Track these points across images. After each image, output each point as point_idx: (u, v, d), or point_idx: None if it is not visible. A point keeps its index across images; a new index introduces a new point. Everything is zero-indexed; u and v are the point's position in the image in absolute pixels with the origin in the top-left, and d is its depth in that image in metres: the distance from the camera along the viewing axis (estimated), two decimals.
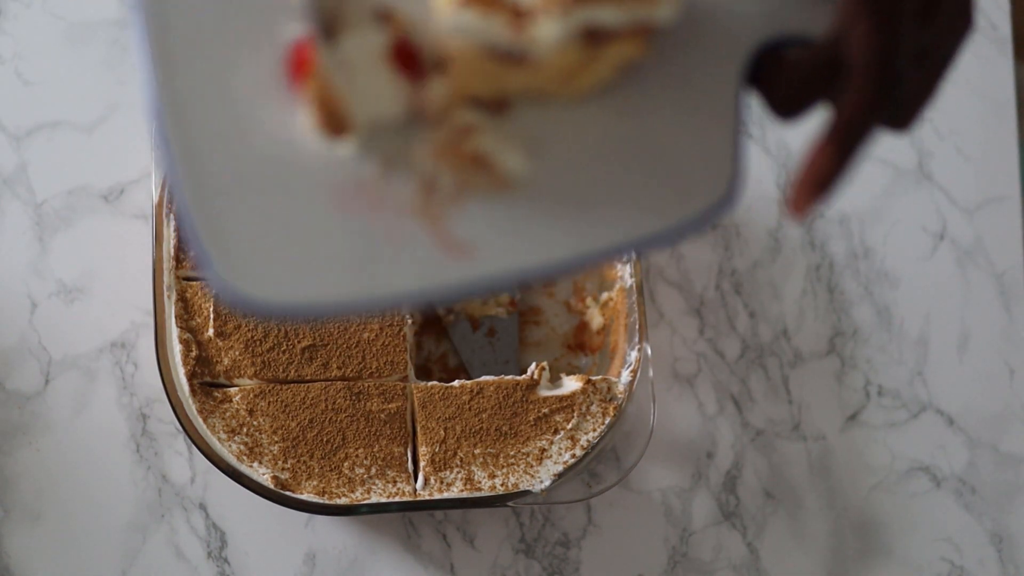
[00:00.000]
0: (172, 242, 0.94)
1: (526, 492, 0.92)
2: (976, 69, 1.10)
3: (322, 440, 0.93)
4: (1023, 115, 1.14)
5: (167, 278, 0.94)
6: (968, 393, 1.05)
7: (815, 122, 0.65)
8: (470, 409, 0.94)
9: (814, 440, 1.04)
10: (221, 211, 0.60)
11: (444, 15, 0.60)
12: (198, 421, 0.92)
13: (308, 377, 0.94)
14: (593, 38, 0.61)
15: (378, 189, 0.61)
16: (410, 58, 0.60)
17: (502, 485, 0.92)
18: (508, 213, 0.61)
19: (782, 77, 0.65)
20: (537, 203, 0.62)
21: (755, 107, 0.66)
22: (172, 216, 0.94)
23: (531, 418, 0.94)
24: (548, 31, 0.59)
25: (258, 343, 0.93)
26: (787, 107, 0.65)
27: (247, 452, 0.92)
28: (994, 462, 1.04)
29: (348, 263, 0.60)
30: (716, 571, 1.01)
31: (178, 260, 0.94)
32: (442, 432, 0.93)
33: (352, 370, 0.94)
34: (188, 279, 0.94)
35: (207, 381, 0.93)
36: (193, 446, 0.96)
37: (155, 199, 0.95)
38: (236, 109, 0.61)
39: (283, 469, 0.92)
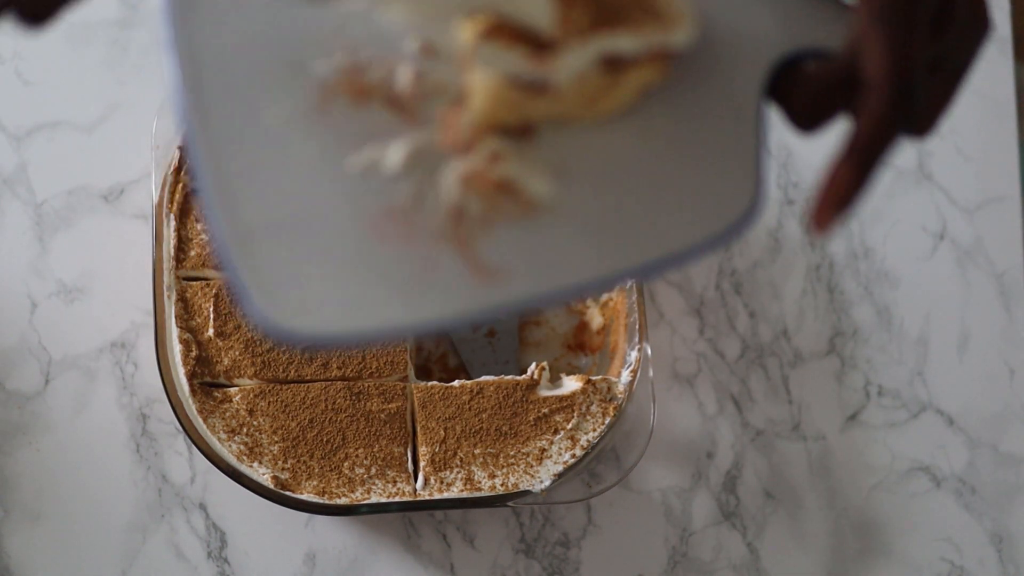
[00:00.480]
0: (172, 242, 0.94)
1: (526, 492, 0.92)
2: (976, 69, 1.10)
3: (322, 440, 0.92)
4: (1023, 115, 1.14)
5: (167, 278, 0.94)
6: (968, 393, 1.05)
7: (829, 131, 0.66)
8: (470, 409, 0.94)
9: (814, 440, 1.03)
10: (258, 246, 0.61)
11: (468, 48, 0.62)
12: (198, 421, 0.92)
13: (308, 377, 0.94)
14: (613, 65, 0.62)
15: (409, 217, 0.62)
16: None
17: (502, 485, 0.92)
18: (536, 236, 0.63)
19: (801, 91, 0.65)
20: (564, 225, 0.63)
21: (774, 120, 0.66)
22: (172, 216, 0.94)
23: (531, 418, 0.94)
24: (568, 61, 0.61)
25: (258, 343, 0.93)
26: (807, 120, 0.65)
27: (247, 452, 0.92)
28: (994, 462, 1.04)
29: (384, 291, 0.62)
30: (716, 571, 1.01)
31: (178, 260, 0.94)
32: (442, 432, 0.93)
33: (352, 370, 0.94)
34: (188, 279, 0.94)
35: (207, 381, 0.93)
36: (193, 446, 0.95)
37: (155, 199, 0.95)
38: (269, 144, 0.63)
39: (283, 469, 0.92)
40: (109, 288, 1.01)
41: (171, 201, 0.95)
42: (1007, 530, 1.03)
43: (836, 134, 0.64)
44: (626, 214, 0.64)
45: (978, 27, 0.66)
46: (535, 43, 0.61)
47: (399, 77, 0.64)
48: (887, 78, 0.62)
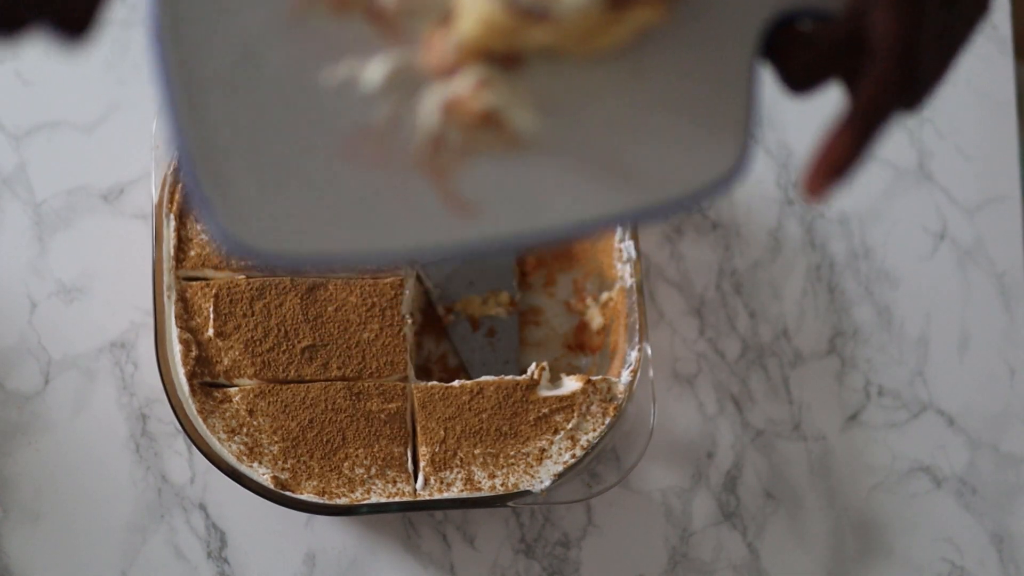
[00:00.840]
0: (172, 242, 0.94)
1: (526, 492, 0.92)
2: (976, 69, 1.10)
3: (322, 440, 0.92)
4: (1023, 115, 1.14)
5: (167, 278, 0.93)
6: (968, 393, 1.05)
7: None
8: (470, 409, 0.94)
9: (814, 440, 1.03)
10: (223, 156, 0.59)
11: None
12: (198, 421, 0.92)
13: (308, 377, 0.94)
14: (617, 2, 0.59)
15: (385, 140, 0.60)
16: None
17: (502, 485, 0.92)
18: (516, 173, 0.60)
19: (797, 52, 0.64)
20: (546, 165, 0.60)
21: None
22: (172, 216, 0.94)
23: (531, 418, 0.94)
24: None
25: (258, 343, 0.93)
26: (800, 82, 0.64)
27: (247, 452, 0.92)
28: (994, 462, 1.04)
29: (351, 214, 0.59)
30: (716, 571, 1.01)
31: (178, 260, 0.94)
32: (442, 432, 0.93)
33: (352, 370, 0.94)
34: (188, 279, 0.94)
35: (207, 381, 0.93)
36: (193, 446, 0.95)
37: (155, 199, 0.94)
38: (243, 45, 0.60)
39: (283, 469, 0.92)
40: (109, 288, 1.01)
41: (171, 201, 0.95)
42: (1008, 530, 1.03)
43: (832, 110, 0.63)
44: (611, 158, 0.61)
45: (980, 4, 0.65)
46: None
47: None
48: (895, 47, 0.61)
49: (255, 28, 0.59)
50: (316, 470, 0.92)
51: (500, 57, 0.61)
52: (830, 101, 0.66)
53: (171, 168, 0.95)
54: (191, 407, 0.92)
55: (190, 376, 0.92)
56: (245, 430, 0.92)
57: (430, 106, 0.60)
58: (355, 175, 0.59)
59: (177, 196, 0.95)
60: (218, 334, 0.93)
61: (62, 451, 0.98)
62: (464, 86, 0.60)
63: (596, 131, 0.62)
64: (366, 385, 0.94)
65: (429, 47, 0.60)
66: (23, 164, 1.02)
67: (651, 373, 0.95)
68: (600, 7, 0.59)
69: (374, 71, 0.60)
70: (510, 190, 0.60)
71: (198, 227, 0.94)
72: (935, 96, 0.64)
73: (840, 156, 0.62)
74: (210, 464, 0.92)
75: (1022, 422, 1.05)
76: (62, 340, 1.00)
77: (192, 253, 0.94)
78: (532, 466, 0.93)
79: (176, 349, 0.92)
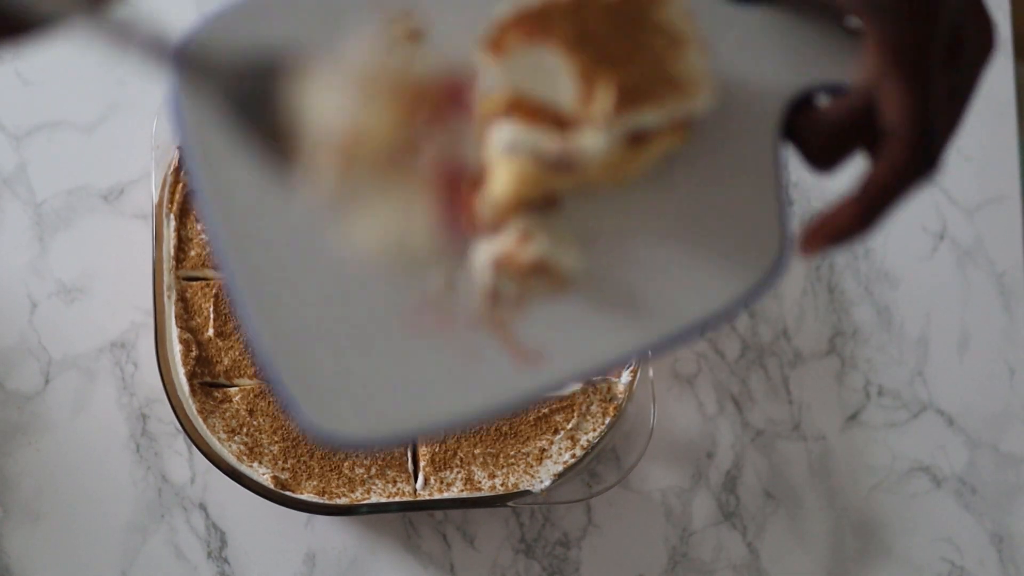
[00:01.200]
0: (172, 242, 0.94)
1: (526, 492, 0.92)
2: None
3: None
4: (1023, 115, 1.14)
5: (167, 278, 0.93)
6: (968, 393, 1.05)
7: None
8: None
9: (814, 440, 1.03)
10: (300, 355, 0.61)
11: (490, 130, 0.61)
12: (198, 421, 0.92)
13: None
14: (637, 137, 0.61)
15: (445, 305, 0.62)
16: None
17: (502, 485, 0.92)
18: (570, 310, 0.62)
19: (815, 131, 0.64)
20: (597, 296, 0.62)
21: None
22: (172, 216, 0.94)
23: (531, 418, 0.93)
24: (594, 142, 0.60)
25: None
26: (823, 160, 0.64)
27: (247, 452, 0.92)
28: (994, 462, 1.04)
29: (429, 386, 0.61)
30: (716, 571, 1.01)
31: (178, 260, 0.94)
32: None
33: None
34: (188, 279, 0.94)
35: (207, 381, 0.93)
36: (193, 446, 0.95)
37: (155, 199, 0.94)
38: (297, 245, 0.62)
39: (283, 469, 0.92)
40: (109, 288, 1.01)
41: (171, 201, 0.95)
42: (1007, 530, 1.03)
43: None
44: (656, 279, 0.63)
45: (985, 48, 0.64)
46: (556, 120, 0.60)
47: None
48: (909, 128, 0.60)
49: (306, 214, 0.61)
50: (316, 470, 0.92)
51: (536, 202, 0.63)
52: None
53: (171, 168, 0.95)
54: (191, 407, 0.92)
55: (190, 376, 0.92)
56: (245, 430, 0.92)
57: (482, 265, 0.62)
58: (423, 345, 0.61)
59: (177, 196, 0.95)
60: (218, 334, 0.93)
61: (62, 451, 0.98)
62: (509, 242, 0.62)
63: (638, 254, 0.63)
64: None
65: (470, 208, 0.62)
66: (23, 164, 1.02)
67: (651, 373, 0.95)
68: (620, 146, 0.60)
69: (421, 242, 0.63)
70: (569, 328, 0.62)
71: (198, 227, 0.94)
72: (950, 151, 0.64)
73: (844, 226, 0.62)
74: (210, 464, 0.92)
75: (1022, 422, 1.05)
76: (62, 340, 1.00)
77: (192, 253, 0.94)
78: (532, 466, 0.93)
79: (176, 349, 0.92)
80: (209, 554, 0.98)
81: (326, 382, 0.61)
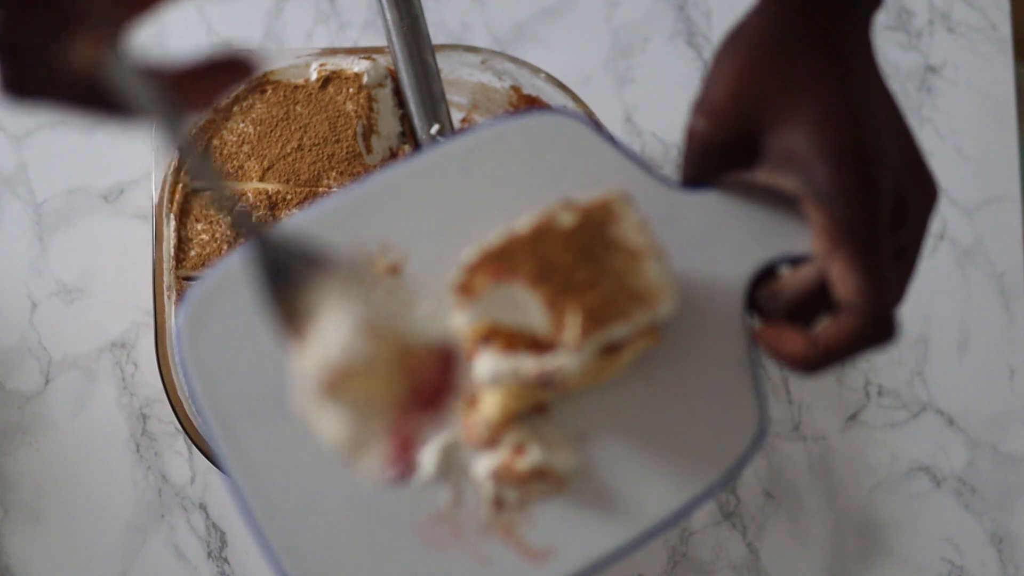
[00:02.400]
0: (172, 242, 0.94)
1: None
2: (976, 69, 1.10)
3: None
4: (1023, 115, 1.14)
5: (167, 278, 0.93)
6: (968, 393, 1.05)
7: None
8: None
9: (814, 440, 1.03)
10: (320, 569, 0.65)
11: (474, 363, 0.65)
12: (198, 421, 0.91)
13: None
14: (611, 347, 0.65)
15: (454, 517, 0.66)
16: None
17: None
18: (572, 506, 0.66)
19: (775, 305, 0.66)
20: (595, 489, 0.67)
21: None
22: (172, 216, 0.94)
23: None
24: (569, 362, 0.63)
25: None
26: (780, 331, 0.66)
27: None
28: (994, 462, 1.04)
29: None
30: (716, 571, 1.01)
31: (178, 260, 0.94)
32: None
33: None
34: (188, 279, 0.94)
35: None
36: (193, 446, 0.96)
37: (155, 199, 0.94)
38: (312, 474, 0.66)
39: None
40: (109, 288, 1.01)
41: (171, 201, 0.94)
42: (1007, 530, 1.03)
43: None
44: (648, 466, 0.67)
45: (930, 199, 0.65)
46: (534, 342, 0.64)
47: None
48: (861, 304, 0.62)
49: (315, 450, 0.64)
50: None
51: (526, 411, 0.67)
52: None
53: (171, 168, 0.95)
54: (191, 407, 0.91)
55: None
56: None
57: (483, 476, 0.66)
58: (438, 556, 0.66)
59: (177, 196, 0.95)
60: None
61: (62, 451, 0.98)
62: (506, 454, 0.66)
63: (629, 445, 0.67)
64: None
65: (466, 427, 0.67)
66: (23, 164, 1.02)
67: None
68: (595, 360, 0.64)
69: (428, 460, 0.66)
70: (573, 523, 0.66)
71: (198, 227, 0.94)
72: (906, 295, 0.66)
73: (792, 359, 0.65)
74: (210, 464, 0.92)
75: (1022, 422, 1.05)
76: (62, 340, 1.00)
77: (192, 253, 0.94)
78: None
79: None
80: (209, 554, 0.98)
81: None
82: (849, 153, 0.61)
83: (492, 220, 0.68)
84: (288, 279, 0.50)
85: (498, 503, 0.66)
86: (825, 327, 0.64)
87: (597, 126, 0.71)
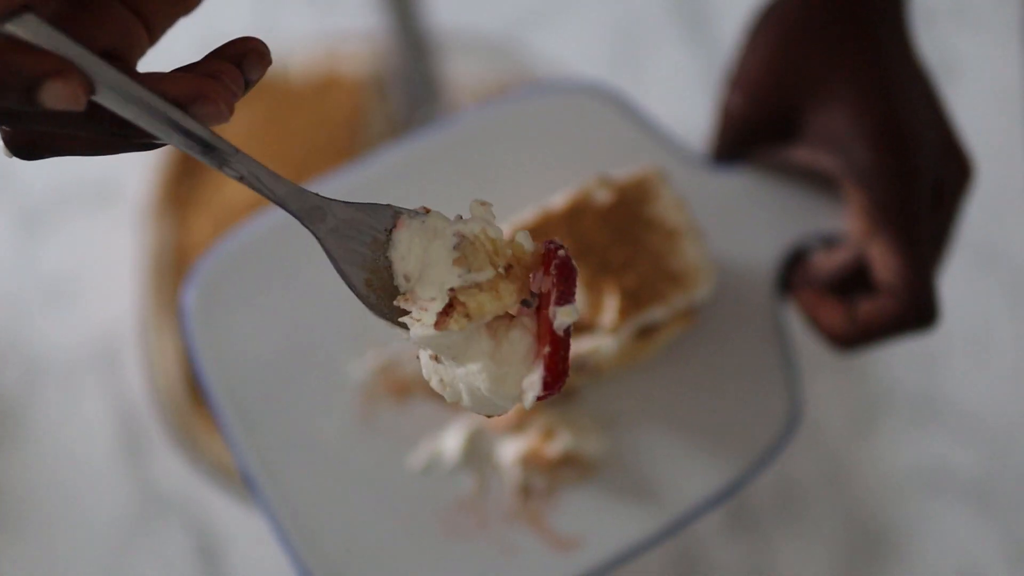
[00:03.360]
0: (163, 241, 0.94)
1: None
2: (987, 65, 1.10)
3: None
4: None
5: (157, 278, 0.94)
6: (984, 397, 1.05)
7: None
8: None
9: (826, 444, 1.03)
10: (344, 568, 0.64)
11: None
12: (190, 424, 0.92)
13: None
14: (646, 329, 0.65)
15: (478, 506, 0.65)
16: None
17: None
18: (600, 493, 0.66)
19: (805, 299, 0.67)
20: (623, 476, 0.66)
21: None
22: (164, 216, 0.96)
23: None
24: (605, 346, 0.63)
25: None
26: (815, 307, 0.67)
27: None
28: (1010, 467, 1.04)
29: None
30: None
31: (168, 260, 0.94)
32: None
33: None
34: (179, 279, 0.95)
35: (198, 384, 0.93)
36: (183, 450, 0.95)
37: (146, 198, 0.95)
38: (330, 468, 0.65)
39: None
40: (99, 289, 1.00)
41: (163, 200, 0.95)
42: (1023, 536, 1.02)
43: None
44: (677, 452, 0.66)
45: (965, 178, 0.67)
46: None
47: None
48: (901, 287, 0.63)
49: (334, 436, 0.64)
50: None
51: (557, 396, 0.66)
52: None
53: (163, 167, 0.96)
54: (183, 409, 0.92)
55: (180, 379, 0.92)
56: None
57: (510, 462, 0.66)
58: (461, 546, 0.65)
59: (169, 195, 0.96)
60: None
61: (49, 456, 0.97)
62: (534, 439, 0.66)
63: (657, 430, 0.67)
64: None
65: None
66: (12, 163, 1.02)
67: None
68: (630, 342, 0.64)
69: (453, 447, 0.66)
70: (601, 511, 0.66)
71: (188, 226, 0.96)
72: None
73: (829, 334, 0.65)
74: (200, 468, 0.92)
75: None
76: (49, 342, 0.99)
77: (183, 253, 0.95)
78: None
79: (166, 351, 0.93)
80: (203, 558, 0.97)
81: None
82: (891, 135, 0.62)
83: (523, 196, 0.67)
84: (369, 245, 0.48)
85: (525, 491, 0.65)
86: (864, 307, 0.64)
87: (628, 102, 0.70)
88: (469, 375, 0.46)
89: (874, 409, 1.04)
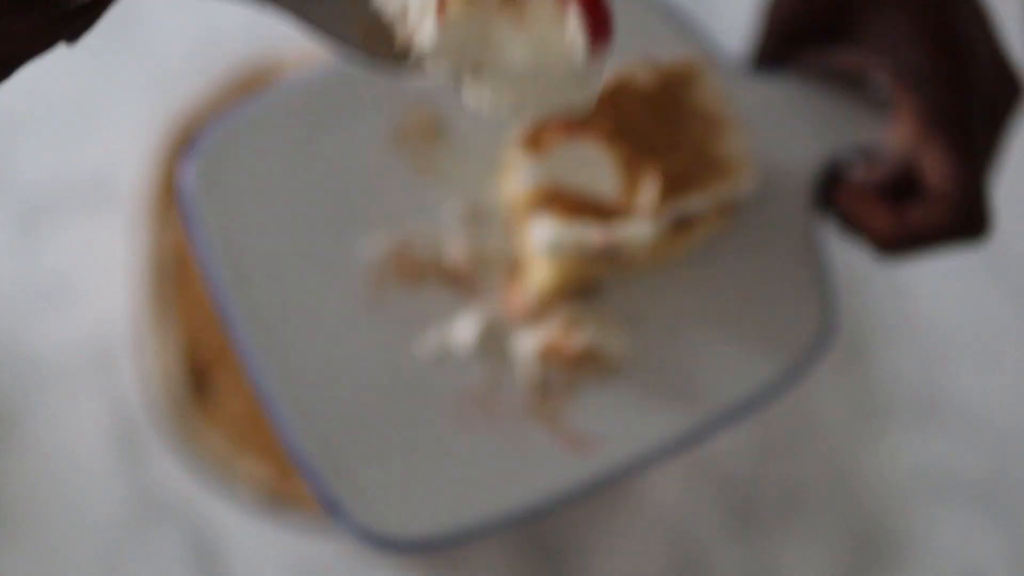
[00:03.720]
0: (160, 242, 0.94)
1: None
2: None
3: None
4: None
5: (155, 278, 0.94)
6: (989, 399, 1.04)
7: None
8: None
9: (827, 445, 1.02)
10: (345, 457, 0.61)
11: (530, 225, 0.62)
12: (189, 425, 0.92)
13: None
14: (682, 222, 0.63)
15: (491, 397, 0.63)
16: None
17: None
18: (620, 395, 0.63)
19: (850, 200, 0.65)
20: (645, 377, 0.64)
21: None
22: (160, 216, 0.95)
23: None
24: (640, 232, 0.61)
25: None
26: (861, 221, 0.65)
27: (236, 460, 0.92)
28: (1016, 468, 1.03)
29: (480, 480, 0.62)
30: None
31: (166, 260, 0.94)
32: None
33: None
34: (177, 279, 0.95)
35: (195, 386, 0.93)
36: (184, 451, 0.95)
37: (143, 198, 0.95)
38: (336, 348, 0.62)
39: (277, 475, 0.92)
40: (95, 289, 1.00)
41: (160, 201, 0.95)
42: None
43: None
44: (701, 359, 0.64)
45: (1012, 96, 0.65)
46: (597, 210, 0.61)
47: (449, 249, 0.63)
48: (954, 193, 0.61)
49: (340, 318, 0.62)
50: None
51: (581, 288, 0.64)
52: None
53: (160, 166, 0.95)
54: (178, 413, 0.92)
55: (177, 381, 0.92)
56: (234, 437, 0.92)
57: (528, 356, 0.63)
58: (470, 439, 0.62)
59: (166, 195, 0.96)
60: (208, 336, 0.94)
61: (44, 459, 0.97)
62: (555, 332, 0.63)
63: (683, 334, 0.65)
64: None
65: (509, 300, 0.64)
66: (5, 161, 1.02)
67: None
68: (665, 234, 0.62)
69: (466, 334, 0.63)
70: (619, 413, 0.63)
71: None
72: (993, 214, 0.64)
73: (873, 237, 0.63)
74: (197, 472, 0.92)
75: None
76: (45, 343, 0.99)
77: (180, 253, 0.95)
78: None
79: (163, 353, 0.93)
80: (201, 561, 0.97)
81: (372, 482, 0.61)
82: (949, 41, 0.61)
83: None
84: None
85: (542, 386, 0.63)
86: (913, 212, 0.63)
87: (665, 3, 0.68)
88: (510, 69, 0.41)
89: (877, 410, 1.03)
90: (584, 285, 0.64)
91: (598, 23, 0.40)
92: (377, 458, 0.61)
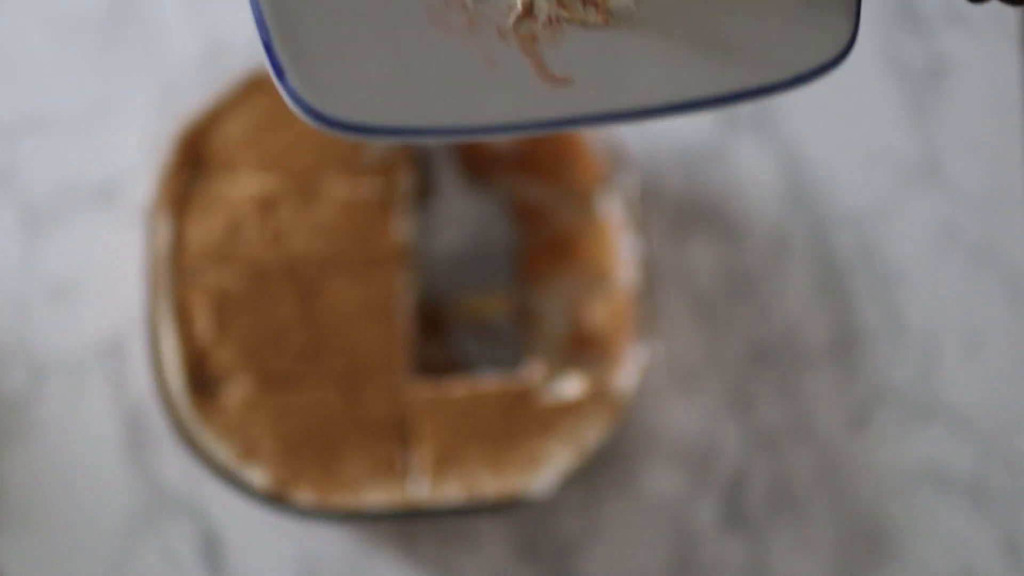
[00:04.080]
0: (166, 241, 0.93)
1: (527, 496, 0.92)
2: (986, 62, 1.10)
3: (320, 443, 0.92)
4: None
5: (161, 278, 0.93)
6: (980, 395, 1.04)
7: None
8: (470, 411, 0.93)
9: (819, 443, 1.03)
10: (299, 19, 0.55)
11: None
12: (193, 423, 0.91)
13: (306, 378, 0.93)
14: None
15: (473, 7, 0.57)
16: None
17: (503, 488, 0.92)
18: (608, 49, 0.58)
19: None
20: (639, 41, 0.59)
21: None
22: (167, 215, 0.94)
23: (533, 421, 0.94)
24: None
25: (255, 344, 0.93)
26: None
27: (243, 455, 0.92)
28: (1007, 466, 1.04)
29: (438, 84, 0.56)
30: None
31: (172, 260, 0.94)
32: (441, 434, 0.93)
33: (350, 371, 0.94)
34: (183, 279, 0.94)
35: (202, 383, 0.93)
36: (187, 450, 0.94)
37: (149, 197, 0.94)
38: None
39: (280, 473, 0.92)
40: (102, 288, 1.00)
41: (166, 199, 0.94)
42: (1021, 535, 1.03)
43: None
44: (708, 38, 0.59)
45: None
46: None
47: None
48: None
49: None
50: (314, 474, 0.92)
51: None
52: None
53: (166, 165, 0.95)
54: (186, 409, 0.92)
55: (185, 378, 0.92)
56: (241, 433, 0.92)
57: None
58: (442, 41, 0.56)
59: (172, 194, 0.95)
60: (214, 335, 0.93)
61: (52, 455, 0.97)
62: None
63: (692, 10, 0.59)
64: (364, 386, 0.93)
65: None
66: (14, 161, 1.01)
67: (655, 374, 0.94)
68: None
69: None
70: (602, 66, 0.58)
71: (194, 223, 0.94)
72: None
73: None
74: (205, 468, 0.92)
75: None
76: (53, 342, 0.99)
77: (187, 252, 0.94)
78: (534, 469, 0.93)
79: (170, 351, 0.92)
80: (204, 560, 0.97)
81: (323, 49, 0.55)
82: None
83: None
84: None
85: (528, 9, 0.57)
86: None
87: None
88: None
89: (869, 406, 1.04)
90: None
91: None
92: (334, 30, 0.55)
